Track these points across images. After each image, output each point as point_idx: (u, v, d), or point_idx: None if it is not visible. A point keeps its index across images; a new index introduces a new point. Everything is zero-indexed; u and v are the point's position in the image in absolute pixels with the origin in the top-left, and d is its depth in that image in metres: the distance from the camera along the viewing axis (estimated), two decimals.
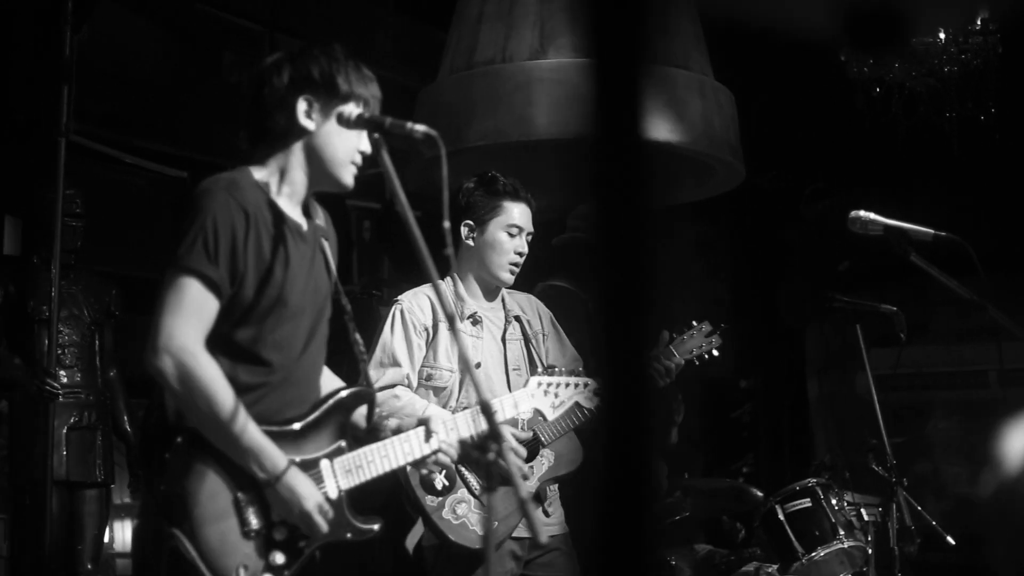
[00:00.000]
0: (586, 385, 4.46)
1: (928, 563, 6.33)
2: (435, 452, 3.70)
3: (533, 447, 4.69)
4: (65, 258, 6.04)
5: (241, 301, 3.36)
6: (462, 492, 4.53)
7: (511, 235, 4.75)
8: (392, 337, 4.64)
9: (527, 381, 4.38)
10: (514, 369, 4.74)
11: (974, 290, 4.14)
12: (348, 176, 3.51)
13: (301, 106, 3.43)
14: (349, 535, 3.51)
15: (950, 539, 5.91)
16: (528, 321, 4.91)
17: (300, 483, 3.38)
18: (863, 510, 5.95)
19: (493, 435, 2.89)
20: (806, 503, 6.08)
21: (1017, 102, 6.16)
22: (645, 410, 1.21)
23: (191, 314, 3.27)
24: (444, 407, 4.52)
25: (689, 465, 7.68)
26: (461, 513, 4.50)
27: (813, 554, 5.91)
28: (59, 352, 6.00)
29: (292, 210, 3.52)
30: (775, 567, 6.10)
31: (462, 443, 3.99)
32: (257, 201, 3.40)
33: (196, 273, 3.27)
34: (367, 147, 3.49)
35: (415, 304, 4.70)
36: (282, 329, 3.43)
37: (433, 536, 4.51)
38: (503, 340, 4.80)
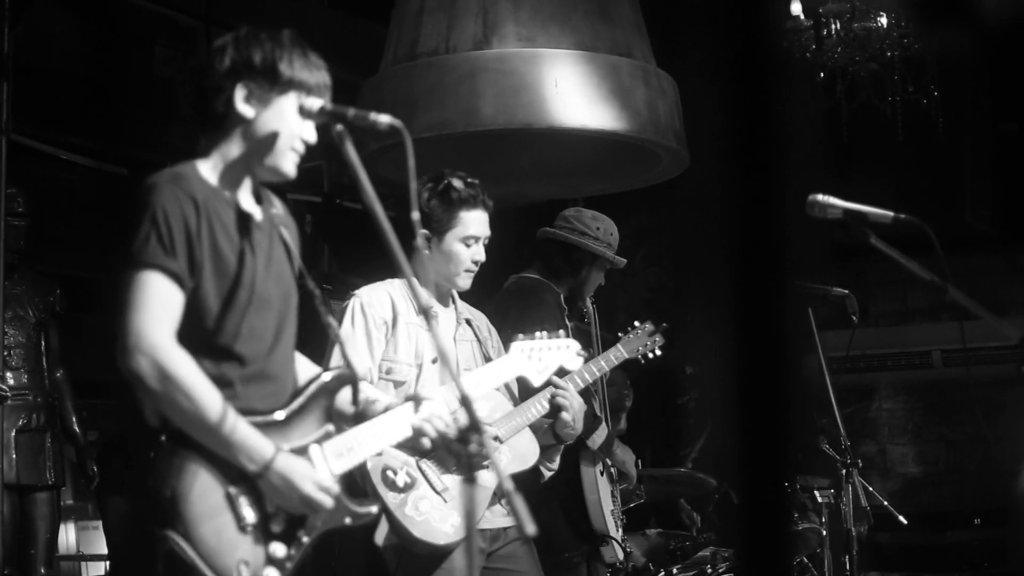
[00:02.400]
0: (568, 347, 4.44)
1: (880, 543, 6.40)
2: (424, 424, 3.68)
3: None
4: (8, 258, 5.95)
5: (203, 294, 3.29)
6: (424, 489, 4.47)
7: (468, 245, 4.70)
8: (353, 331, 4.59)
9: (509, 348, 4.32)
10: (465, 369, 4.69)
11: (934, 272, 4.14)
12: (289, 165, 3.44)
13: (240, 92, 3.35)
14: (348, 519, 3.46)
15: (902, 518, 5.97)
16: (478, 327, 4.88)
17: (292, 466, 3.31)
18: (816, 492, 5.99)
19: (474, 426, 2.87)
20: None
21: (958, 86, 6.22)
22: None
23: (158, 309, 3.20)
24: None
25: (640, 452, 7.71)
26: (424, 510, 4.43)
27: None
28: (5, 354, 5.90)
29: (243, 199, 3.45)
30: (730, 551, 6.13)
31: (442, 435, 3.96)
32: (205, 191, 3.32)
33: (156, 267, 3.20)
34: (311, 136, 3.44)
35: (374, 298, 4.65)
36: (249, 320, 3.36)
37: (394, 535, 4.45)
38: (454, 340, 4.77)
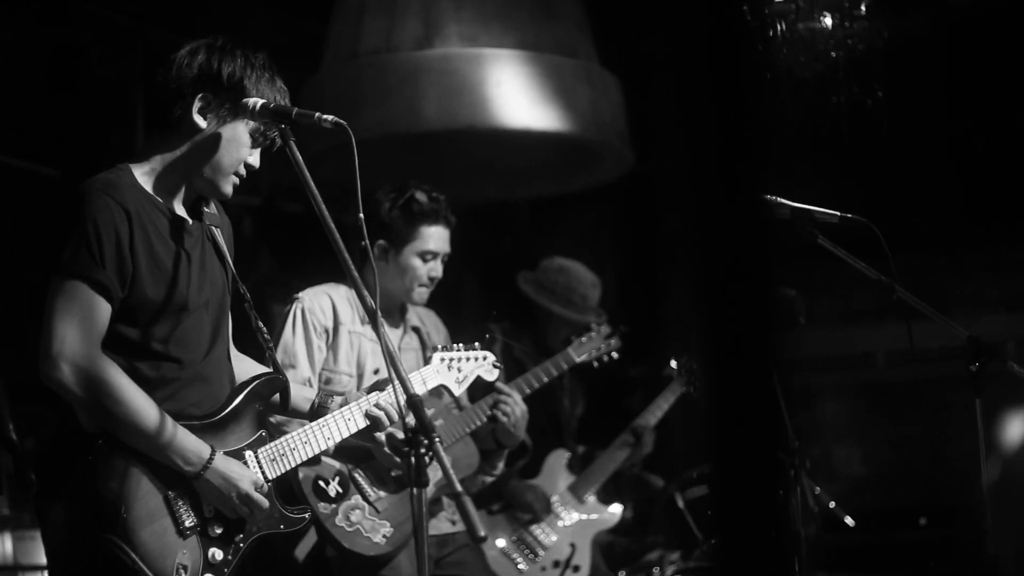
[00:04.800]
0: (485, 358, 4.41)
1: (827, 544, 6.38)
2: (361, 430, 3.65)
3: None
4: None
5: (138, 301, 3.27)
6: (356, 499, 4.43)
7: (425, 260, 4.65)
8: (293, 338, 4.53)
9: (430, 357, 4.31)
10: None
11: (880, 271, 4.14)
12: (228, 186, 3.43)
13: (198, 102, 3.34)
14: (282, 526, 3.48)
15: (849, 520, 5.96)
16: (428, 333, 4.83)
17: (230, 467, 3.32)
18: None
19: (423, 429, 2.84)
20: (705, 490, 6.08)
21: (903, 86, 6.23)
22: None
23: (83, 319, 3.19)
24: None
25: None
26: (355, 520, 4.39)
27: (714, 540, 5.90)
28: None
29: (176, 205, 3.43)
30: (677, 554, 6.10)
31: (390, 437, 3.92)
32: (138, 199, 3.30)
33: (83, 277, 3.19)
34: (255, 162, 3.43)
35: (316, 304, 4.59)
36: (186, 325, 3.35)
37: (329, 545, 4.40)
38: (399, 348, 4.71)
